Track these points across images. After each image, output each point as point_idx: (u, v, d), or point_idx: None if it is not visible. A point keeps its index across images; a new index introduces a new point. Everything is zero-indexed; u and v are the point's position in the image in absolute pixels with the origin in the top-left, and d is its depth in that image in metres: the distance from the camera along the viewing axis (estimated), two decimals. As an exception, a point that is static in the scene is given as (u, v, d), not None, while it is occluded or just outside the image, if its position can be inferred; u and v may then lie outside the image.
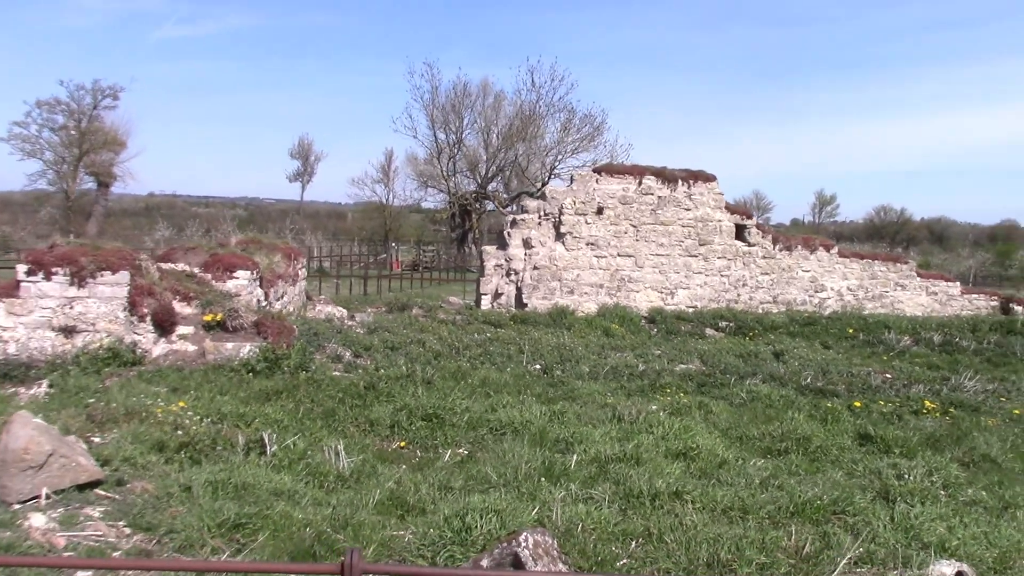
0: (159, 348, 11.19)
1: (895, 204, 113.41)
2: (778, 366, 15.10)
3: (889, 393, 12.82)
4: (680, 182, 22.35)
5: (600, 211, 22.11)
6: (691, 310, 21.96)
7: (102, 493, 6.35)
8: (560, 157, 44.82)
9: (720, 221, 22.45)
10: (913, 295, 22.72)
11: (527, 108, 44.93)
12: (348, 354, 12.91)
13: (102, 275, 10.71)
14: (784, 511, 6.53)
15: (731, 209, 22.61)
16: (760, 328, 19.76)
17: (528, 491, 6.78)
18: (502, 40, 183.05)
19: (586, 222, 22.06)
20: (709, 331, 19.95)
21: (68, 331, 10.65)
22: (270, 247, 15.94)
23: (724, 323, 20.34)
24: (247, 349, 11.11)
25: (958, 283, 23.44)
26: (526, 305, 21.80)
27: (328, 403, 9.69)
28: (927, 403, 11.48)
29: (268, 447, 7.53)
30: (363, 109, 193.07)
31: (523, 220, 22.18)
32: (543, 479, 7.22)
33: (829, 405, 11.07)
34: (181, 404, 8.70)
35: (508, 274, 22.18)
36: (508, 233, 22.28)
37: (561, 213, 21.97)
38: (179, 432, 7.65)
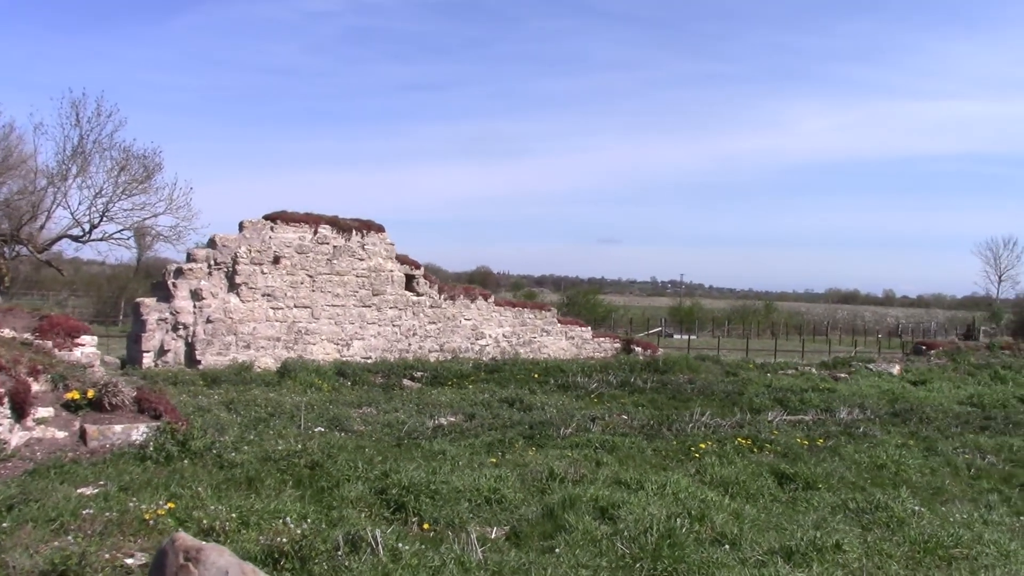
0: (17, 437, 8.19)
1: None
2: (528, 415, 15.63)
3: (719, 433, 13.94)
4: (354, 232, 22.13)
5: (277, 260, 20.90)
6: (368, 361, 21.74)
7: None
8: (113, 199, 40.34)
9: (392, 271, 22.66)
10: (555, 340, 25.21)
11: (69, 146, 39.79)
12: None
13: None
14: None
15: (401, 259, 22.94)
16: (453, 377, 20.33)
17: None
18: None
19: (262, 272, 20.69)
20: (406, 382, 19.97)
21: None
22: (16, 309, 12.38)
23: (419, 373, 20.54)
24: (141, 431, 8.75)
25: (589, 328, 26.58)
26: (199, 362, 19.66)
27: (291, 490, 8.16)
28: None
29: (377, 545, 6.34)
30: None
31: (191, 269, 20.04)
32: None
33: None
34: (171, 505, 6.88)
35: (175, 328, 19.81)
36: (173, 283, 19.92)
37: (236, 262, 20.32)
38: (280, 539, 6.09)
